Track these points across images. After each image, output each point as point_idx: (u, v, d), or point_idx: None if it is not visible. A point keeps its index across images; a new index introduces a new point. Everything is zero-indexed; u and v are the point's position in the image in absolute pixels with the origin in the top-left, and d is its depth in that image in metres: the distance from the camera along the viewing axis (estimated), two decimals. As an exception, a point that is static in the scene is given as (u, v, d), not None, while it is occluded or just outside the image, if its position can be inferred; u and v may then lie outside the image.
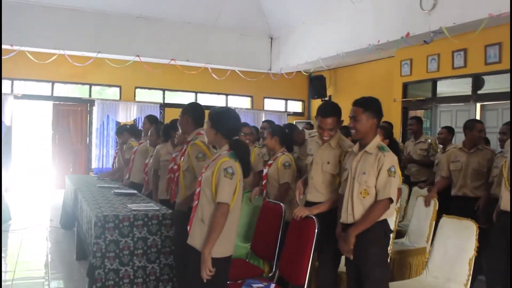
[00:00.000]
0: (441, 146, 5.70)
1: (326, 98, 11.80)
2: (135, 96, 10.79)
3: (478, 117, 7.55)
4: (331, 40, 9.13)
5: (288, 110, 12.58)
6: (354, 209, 2.98)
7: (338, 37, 8.93)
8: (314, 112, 12.77)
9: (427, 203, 4.45)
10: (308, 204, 3.46)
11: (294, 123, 7.06)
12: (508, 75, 7.07)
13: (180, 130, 4.09)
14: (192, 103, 3.81)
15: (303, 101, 12.79)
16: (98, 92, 10.63)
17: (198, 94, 11.45)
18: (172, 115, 10.70)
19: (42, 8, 8.95)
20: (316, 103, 12.20)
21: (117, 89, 10.67)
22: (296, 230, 3.30)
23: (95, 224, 3.63)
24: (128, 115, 10.44)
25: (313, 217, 3.17)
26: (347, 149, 3.33)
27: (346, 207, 3.05)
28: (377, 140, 3.04)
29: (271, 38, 11.24)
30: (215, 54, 10.44)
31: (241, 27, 10.62)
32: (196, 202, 2.86)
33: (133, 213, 3.78)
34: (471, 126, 4.77)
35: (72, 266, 5.11)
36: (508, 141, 3.53)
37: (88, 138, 10.51)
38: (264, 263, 4.05)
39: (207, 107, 10.99)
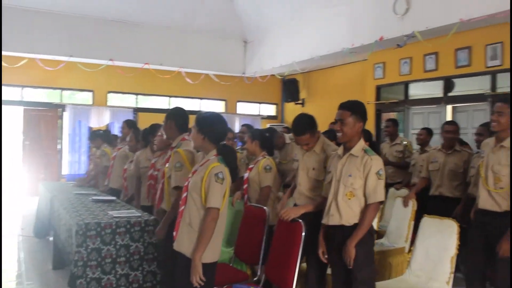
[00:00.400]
0: (418, 147, 5.82)
1: (300, 102, 11.92)
2: (107, 100, 10.60)
3: (449, 119, 7.76)
4: (305, 43, 9.21)
5: (261, 113, 12.61)
6: (340, 211, 3.01)
7: (313, 41, 9.02)
8: (287, 116, 12.94)
9: (405, 204, 4.54)
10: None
11: (271, 127, 7.08)
12: (478, 78, 7.33)
13: (163, 135, 4.07)
14: (176, 108, 3.76)
15: (276, 104, 12.85)
16: (68, 97, 10.40)
17: (172, 98, 11.36)
18: (145, 119, 10.61)
19: (12, 10, 8.69)
20: (290, 106, 12.30)
21: (89, 94, 10.47)
22: (283, 234, 3.31)
23: (76, 232, 3.55)
24: (100, 120, 10.26)
25: (300, 221, 3.19)
26: (331, 153, 3.36)
27: (328, 209, 3.08)
28: (362, 143, 3.08)
29: (245, 42, 11.26)
30: (189, 58, 10.39)
31: (215, 31, 10.61)
32: (183, 207, 2.84)
33: (115, 220, 3.72)
34: (442, 127, 4.93)
35: (48, 276, 4.97)
36: (484, 141, 3.63)
37: (59, 144, 10.26)
38: (247, 267, 4.05)
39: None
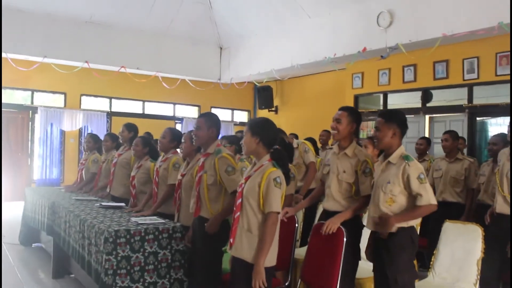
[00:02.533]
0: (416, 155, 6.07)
1: (273, 109, 12.06)
2: (80, 103, 10.27)
3: (426, 128, 8.15)
4: (286, 52, 9.34)
5: (234, 120, 12.64)
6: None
7: (293, 49, 9.17)
8: (259, 122, 12.98)
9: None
10: (326, 212, 3.57)
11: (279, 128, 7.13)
12: (455, 90, 7.74)
13: (187, 142, 4.04)
14: (212, 113, 3.71)
15: (249, 111, 12.92)
16: (40, 99, 9.96)
17: (146, 103, 11.17)
18: (119, 123, 10.33)
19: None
20: (263, 113, 12.40)
21: (61, 96, 10.09)
22: (322, 239, 3.36)
23: (106, 240, 3.45)
24: (73, 123, 9.92)
25: (341, 227, 3.27)
26: (364, 158, 3.47)
27: (372, 214, 3.20)
28: (401, 150, 3.19)
29: (221, 48, 11.27)
30: (166, 62, 10.28)
31: (192, 36, 10.57)
32: (238, 213, 2.84)
33: (143, 227, 3.65)
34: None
35: (50, 286, 4.76)
36: (501, 151, 3.88)
37: (29, 148, 9.81)
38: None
39: (155, 116, 10.74)
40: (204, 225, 3.30)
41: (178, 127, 11.62)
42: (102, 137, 6.37)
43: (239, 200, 2.86)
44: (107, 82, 9.97)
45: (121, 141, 5.57)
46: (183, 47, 10.51)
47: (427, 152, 5.96)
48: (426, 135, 7.93)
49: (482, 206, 4.37)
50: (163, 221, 3.92)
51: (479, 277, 3.45)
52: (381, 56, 7.71)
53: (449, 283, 3.56)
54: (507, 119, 7.01)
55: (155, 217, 4.11)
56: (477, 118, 7.52)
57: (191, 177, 4.04)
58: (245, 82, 10.94)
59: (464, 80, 7.46)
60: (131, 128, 5.47)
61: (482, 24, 6.26)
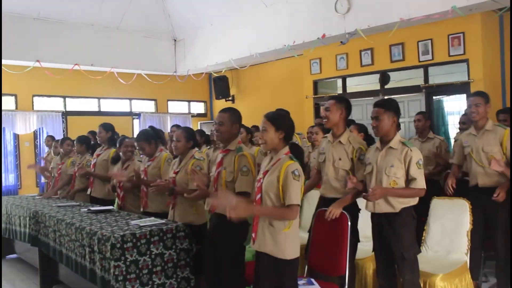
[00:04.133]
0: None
1: (230, 98, 12.05)
2: (33, 105, 9.81)
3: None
4: (243, 41, 9.33)
5: (191, 111, 12.55)
6: (387, 200, 3.29)
7: (251, 38, 9.17)
8: (216, 113, 12.93)
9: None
10: (324, 199, 3.72)
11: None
12: (411, 71, 8.12)
13: (179, 141, 4.02)
14: (235, 108, 3.57)
15: (205, 102, 12.85)
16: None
17: (101, 100, 10.83)
18: (75, 123, 10.05)
19: None
20: (220, 103, 12.36)
21: (11, 98, 9.58)
22: (326, 225, 3.50)
23: (113, 246, 3.43)
24: (27, 126, 9.47)
25: (344, 212, 3.43)
26: (358, 145, 3.64)
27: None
28: (399, 136, 3.39)
29: (175, 40, 11.11)
30: (121, 57, 9.99)
31: (146, 29, 10.34)
32: None
33: (147, 229, 3.64)
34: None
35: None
36: (464, 133, 4.21)
37: (-19, 155, 9.29)
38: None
39: (111, 113, 10.44)
40: (225, 222, 3.32)
41: (136, 122, 11.39)
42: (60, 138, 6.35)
43: (259, 195, 2.90)
44: (61, 81, 9.56)
45: (99, 142, 5.44)
46: (137, 41, 10.27)
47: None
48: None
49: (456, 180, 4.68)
50: (163, 221, 3.92)
51: (469, 246, 3.74)
52: (341, 42, 7.88)
53: (442, 255, 3.83)
54: (462, 96, 7.46)
55: (152, 217, 4.10)
56: (434, 97, 7.93)
57: (185, 174, 4.05)
58: (203, 73, 10.86)
59: (419, 61, 7.82)
60: (108, 128, 5.35)
61: (437, 8, 6.57)
